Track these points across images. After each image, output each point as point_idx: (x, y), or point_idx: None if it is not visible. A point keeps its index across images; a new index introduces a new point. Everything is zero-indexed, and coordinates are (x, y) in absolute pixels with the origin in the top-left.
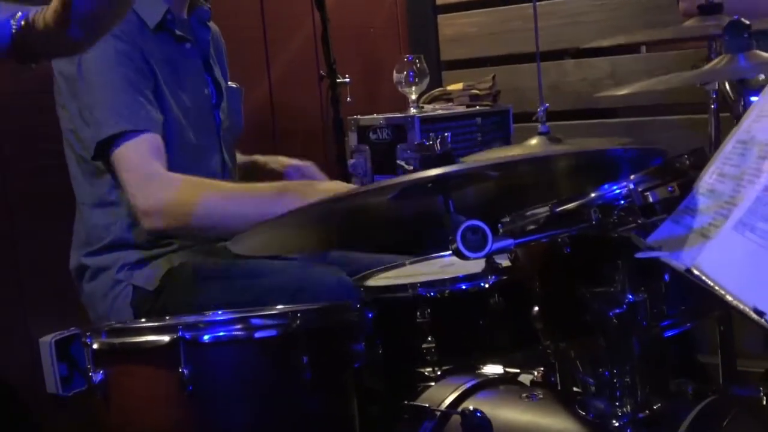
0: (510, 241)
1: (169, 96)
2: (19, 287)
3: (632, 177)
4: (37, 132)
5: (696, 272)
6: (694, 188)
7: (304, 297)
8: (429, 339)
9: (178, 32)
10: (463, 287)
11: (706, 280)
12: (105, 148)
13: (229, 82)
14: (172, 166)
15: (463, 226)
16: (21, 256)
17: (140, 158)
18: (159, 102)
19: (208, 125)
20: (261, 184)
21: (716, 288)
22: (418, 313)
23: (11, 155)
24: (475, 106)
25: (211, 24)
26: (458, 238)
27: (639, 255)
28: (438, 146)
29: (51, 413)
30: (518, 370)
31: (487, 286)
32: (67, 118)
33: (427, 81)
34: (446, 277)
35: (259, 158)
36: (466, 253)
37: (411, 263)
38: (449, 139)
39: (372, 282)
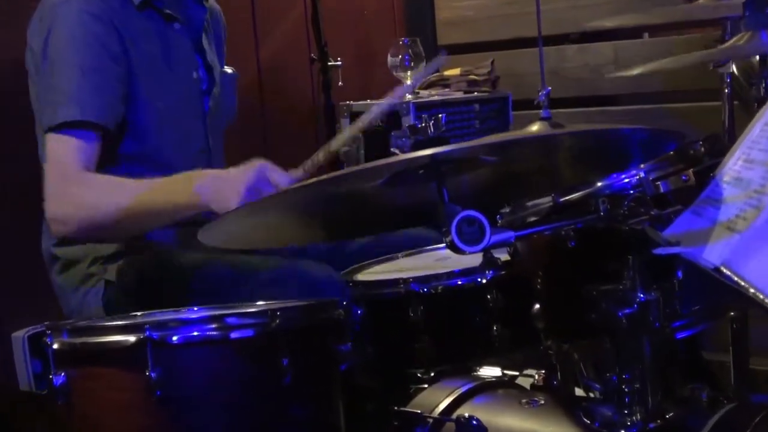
0: (510, 234)
1: (149, 80)
2: None
3: (642, 165)
4: (5, 118)
5: (726, 272)
6: (716, 176)
7: (291, 293)
8: (422, 338)
9: (166, 10)
10: (459, 283)
11: (739, 281)
12: (49, 132)
13: (225, 68)
14: (150, 150)
15: (458, 217)
16: None
17: (65, 158)
18: (134, 87)
19: (194, 111)
20: (160, 179)
21: (751, 290)
22: (411, 311)
23: None
24: (473, 92)
25: (211, 3)
26: (453, 230)
27: (658, 251)
28: (431, 128)
29: (24, 411)
30: (517, 373)
31: (484, 281)
32: (34, 96)
33: (423, 65)
34: (441, 271)
35: None
36: (462, 246)
37: (404, 256)
38: (444, 121)
39: (361, 276)
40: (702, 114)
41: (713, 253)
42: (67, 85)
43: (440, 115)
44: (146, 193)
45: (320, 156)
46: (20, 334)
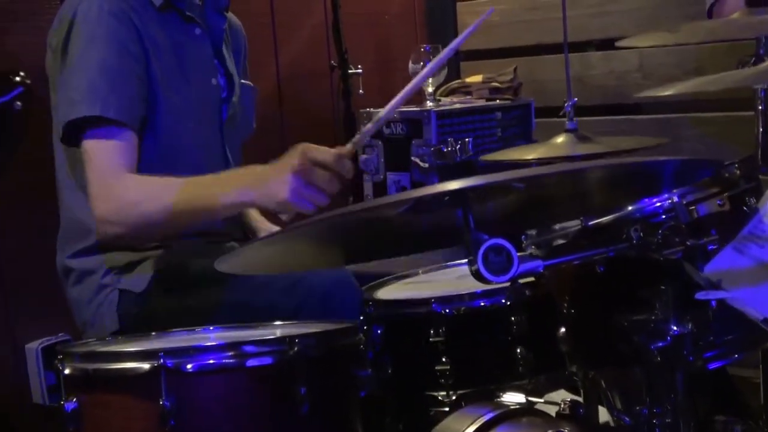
0: (538, 263)
1: (167, 84)
2: (4, 289)
3: (675, 189)
4: (20, 121)
5: None
6: (760, 211)
7: (302, 291)
8: (443, 360)
9: (187, 13)
10: (482, 304)
11: None
12: (77, 132)
13: (243, 80)
14: (164, 159)
15: (484, 246)
16: (5, 255)
17: (107, 158)
18: (152, 90)
19: (211, 118)
20: (210, 175)
21: None
22: (432, 331)
23: None
24: (495, 99)
25: (232, 16)
26: (479, 259)
27: (700, 296)
28: (458, 153)
29: (37, 424)
30: (542, 400)
31: (508, 303)
32: (54, 101)
33: (444, 73)
34: (463, 292)
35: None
36: (489, 276)
37: (425, 272)
38: (471, 146)
39: (382, 294)
40: (732, 124)
41: (761, 301)
42: (85, 81)
43: (467, 139)
44: (192, 190)
45: (368, 127)
46: (34, 346)
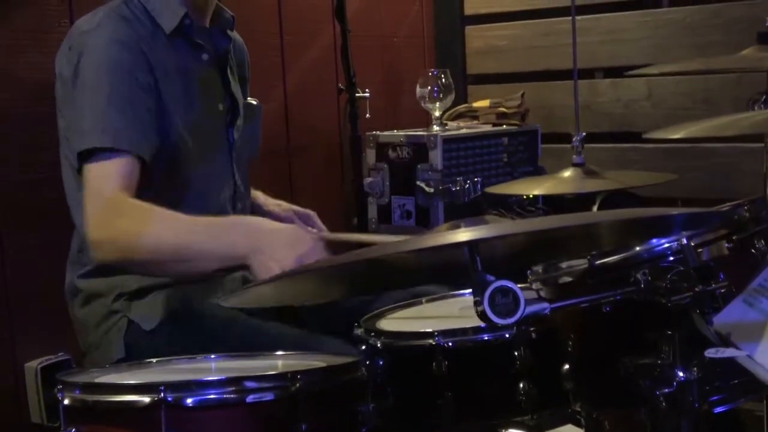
0: (545, 306)
1: (177, 111)
2: (7, 307)
3: (684, 232)
4: (28, 143)
5: None
6: None
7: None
8: (445, 394)
9: (197, 40)
10: (486, 338)
11: None
12: (81, 161)
13: (248, 99)
14: (173, 186)
15: (491, 288)
16: (9, 273)
17: (104, 182)
18: (162, 119)
19: (220, 145)
20: (211, 218)
21: None
22: (435, 365)
23: None
24: (502, 124)
25: (235, 34)
26: (486, 301)
27: (710, 354)
28: (467, 193)
29: None
30: None
31: (512, 337)
32: (62, 124)
33: (452, 97)
34: (467, 325)
35: (260, 196)
36: (495, 319)
37: (427, 301)
38: (480, 186)
39: (384, 325)
40: (742, 155)
41: None
42: (95, 111)
43: (477, 179)
44: (189, 228)
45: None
46: (33, 365)
